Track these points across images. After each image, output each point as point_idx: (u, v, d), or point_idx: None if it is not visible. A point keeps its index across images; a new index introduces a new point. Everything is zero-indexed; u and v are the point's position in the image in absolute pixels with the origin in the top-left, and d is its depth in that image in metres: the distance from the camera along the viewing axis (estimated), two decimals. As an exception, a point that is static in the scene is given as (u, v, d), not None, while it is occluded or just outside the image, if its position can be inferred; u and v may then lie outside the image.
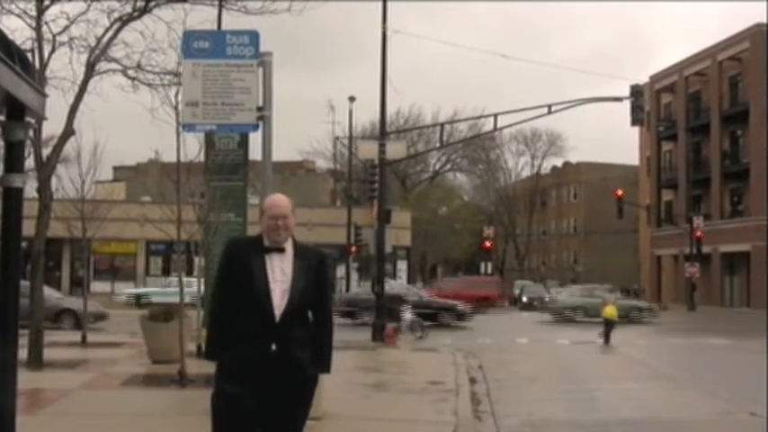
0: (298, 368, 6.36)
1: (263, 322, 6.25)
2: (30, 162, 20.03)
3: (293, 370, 6.34)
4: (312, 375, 6.51)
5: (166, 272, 60.53)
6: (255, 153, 14.75)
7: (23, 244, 6.56)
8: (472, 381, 19.51)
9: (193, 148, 21.32)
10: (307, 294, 6.39)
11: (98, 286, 59.39)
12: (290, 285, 6.33)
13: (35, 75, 6.69)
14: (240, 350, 6.23)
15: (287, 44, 56.38)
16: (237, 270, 6.34)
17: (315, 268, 6.51)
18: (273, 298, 6.27)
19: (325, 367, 6.57)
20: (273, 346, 6.25)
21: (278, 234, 6.44)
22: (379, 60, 31.65)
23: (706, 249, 67.35)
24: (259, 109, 12.53)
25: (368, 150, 35.98)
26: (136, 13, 19.79)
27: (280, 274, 6.35)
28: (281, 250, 6.42)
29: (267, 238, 6.44)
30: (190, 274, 37.35)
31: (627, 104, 38.25)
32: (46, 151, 20.11)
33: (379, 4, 31.67)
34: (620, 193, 70.18)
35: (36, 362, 18.78)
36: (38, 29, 19.15)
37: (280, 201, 6.57)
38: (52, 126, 20.98)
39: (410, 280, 76.14)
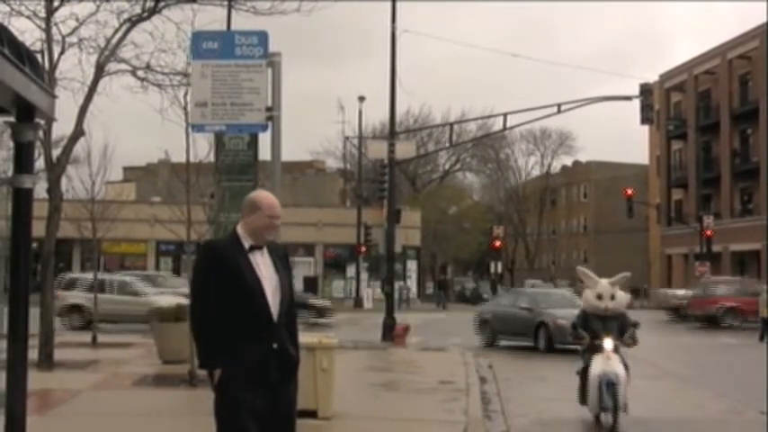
0: (293, 363, 6.46)
1: (262, 322, 6.26)
2: (40, 163, 20.10)
3: (290, 365, 6.42)
4: (298, 366, 6.57)
5: (177, 272, 60.56)
6: (265, 153, 14.75)
7: (34, 245, 6.58)
8: (482, 380, 19.50)
9: (203, 149, 21.38)
10: (290, 290, 6.49)
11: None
12: (278, 283, 6.37)
13: (44, 76, 6.71)
14: (245, 353, 6.21)
15: (295, 43, 56.38)
16: (225, 271, 6.28)
17: (285, 261, 6.59)
18: (268, 297, 6.30)
19: (299, 356, 6.61)
20: (274, 345, 6.29)
21: (271, 233, 6.46)
22: (389, 59, 31.65)
23: (716, 248, 67.11)
24: (268, 109, 12.56)
25: (377, 150, 35.98)
26: (145, 14, 19.82)
27: (265, 272, 6.36)
28: (260, 247, 6.43)
29: (253, 236, 6.41)
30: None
31: (637, 103, 38.17)
32: (56, 152, 20.16)
33: (389, 4, 31.67)
34: (629, 192, 70.00)
35: (47, 362, 18.82)
36: (47, 30, 19.20)
37: (277, 200, 6.60)
38: (62, 127, 21.06)
39: (420, 280, 76.08)
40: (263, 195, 6.66)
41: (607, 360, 13.62)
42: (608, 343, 13.77)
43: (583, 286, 15.19)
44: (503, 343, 30.36)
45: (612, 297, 14.19)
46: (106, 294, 33.84)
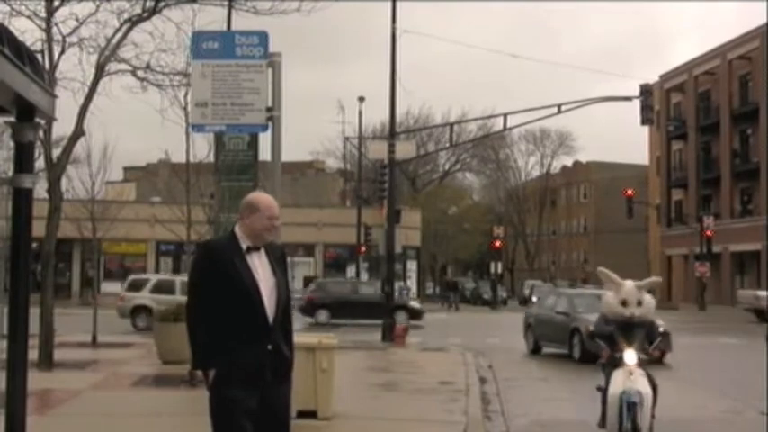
0: (287, 364, 6.49)
1: (257, 324, 6.28)
2: (40, 163, 20.09)
3: (284, 366, 6.45)
4: (292, 367, 6.59)
5: (177, 272, 60.55)
6: (265, 153, 14.76)
7: (34, 245, 6.58)
8: (482, 380, 19.50)
9: (203, 149, 21.42)
10: (286, 292, 6.51)
11: (108, 287, 59.31)
12: (275, 285, 6.38)
13: (45, 76, 6.71)
14: (240, 354, 6.24)
15: (296, 42, 56.42)
16: (222, 273, 6.29)
17: (282, 263, 6.59)
18: (264, 299, 6.31)
19: (293, 357, 6.62)
20: (269, 347, 6.29)
21: (271, 234, 6.47)
22: (389, 59, 31.60)
23: (716, 249, 67.17)
24: (268, 109, 12.55)
25: (378, 150, 36.00)
26: (145, 14, 19.82)
27: (262, 274, 6.38)
28: (257, 248, 6.44)
29: (252, 237, 6.42)
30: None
31: (637, 104, 38.14)
32: (56, 152, 20.17)
33: (389, 4, 31.64)
34: (630, 192, 70.09)
35: (46, 362, 18.81)
36: (48, 30, 19.20)
37: (275, 202, 6.62)
38: (62, 127, 21.08)
39: (420, 280, 76.06)
40: (262, 197, 6.69)
41: (629, 376, 11.30)
42: (630, 356, 11.41)
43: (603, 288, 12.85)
44: (546, 351, 27.79)
45: (639, 303, 11.80)
46: (173, 295, 33.73)
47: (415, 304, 44.91)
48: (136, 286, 36.10)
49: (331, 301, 41.83)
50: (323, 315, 41.09)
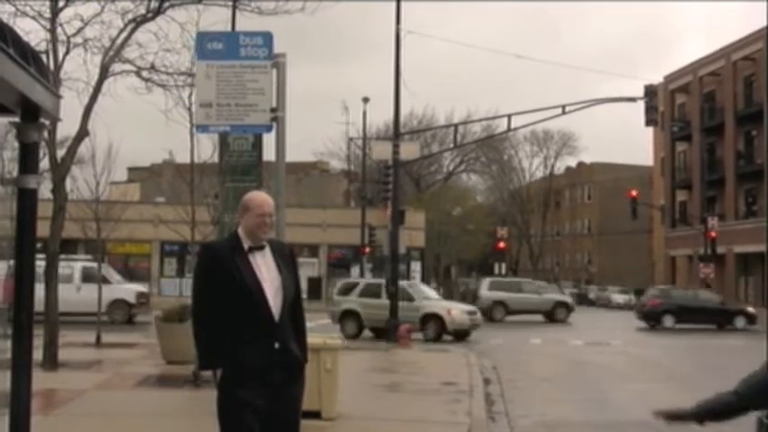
0: (297, 363, 6.46)
1: (263, 323, 6.27)
2: (44, 163, 20.09)
3: (294, 365, 6.42)
4: (303, 366, 6.56)
5: (181, 273, 60.57)
6: (270, 154, 14.77)
7: (38, 245, 6.58)
8: (486, 381, 19.50)
9: (207, 149, 21.41)
10: (293, 289, 6.49)
11: (112, 287, 59.36)
12: (281, 284, 6.37)
13: (49, 76, 6.71)
14: (246, 353, 6.23)
15: (300, 42, 56.36)
16: (224, 273, 6.29)
17: (290, 261, 6.59)
18: (268, 298, 6.31)
19: (306, 357, 6.60)
20: (276, 345, 6.29)
21: (264, 232, 6.47)
22: (393, 60, 31.61)
23: (720, 250, 67.06)
24: (273, 110, 12.55)
25: (382, 151, 36.01)
26: (149, 14, 19.83)
27: (266, 273, 6.37)
28: (261, 248, 6.45)
29: (250, 237, 6.43)
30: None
31: (641, 105, 38.10)
32: (60, 152, 20.18)
33: (393, 4, 31.66)
34: (634, 193, 69.97)
35: (51, 362, 18.83)
36: (52, 30, 19.21)
37: (268, 199, 6.61)
38: (67, 127, 21.11)
39: (424, 281, 76.06)
40: (254, 195, 6.69)
41: None
42: None
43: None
44: None
45: None
46: (378, 299, 33.23)
47: (751, 309, 48.48)
48: (347, 290, 35.80)
49: (675, 308, 46.55)
50: (669, 320, 45.91)
